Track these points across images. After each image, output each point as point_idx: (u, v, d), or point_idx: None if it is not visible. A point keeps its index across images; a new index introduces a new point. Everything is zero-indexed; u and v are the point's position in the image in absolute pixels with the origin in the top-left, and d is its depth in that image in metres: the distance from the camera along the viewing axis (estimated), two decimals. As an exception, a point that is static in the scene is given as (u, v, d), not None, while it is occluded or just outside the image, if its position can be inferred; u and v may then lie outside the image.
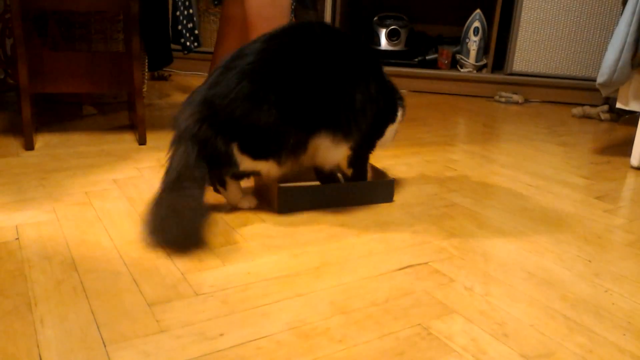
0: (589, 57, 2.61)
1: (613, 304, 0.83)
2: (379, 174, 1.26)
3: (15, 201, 1.09)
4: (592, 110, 2.39)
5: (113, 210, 1.08)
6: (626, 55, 1.58)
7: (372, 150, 1.18)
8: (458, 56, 2.85)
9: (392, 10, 3.03)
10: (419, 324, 0.75)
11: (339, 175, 1.19)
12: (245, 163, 1.01)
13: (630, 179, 1.50)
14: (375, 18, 2.95)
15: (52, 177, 1.24)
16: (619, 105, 1.70)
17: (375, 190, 1.19)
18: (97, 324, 0.71)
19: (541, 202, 1.26)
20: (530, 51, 2.64)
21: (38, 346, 0.66)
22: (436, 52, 2.92)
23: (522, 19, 2.61)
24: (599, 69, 1.66)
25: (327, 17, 2.78)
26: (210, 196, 1.19)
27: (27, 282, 0.80)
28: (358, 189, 1.17)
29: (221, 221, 1.06)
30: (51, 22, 1.85)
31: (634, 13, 1.56)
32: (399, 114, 1.18)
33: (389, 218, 1.12)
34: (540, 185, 1.39)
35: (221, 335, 0.70)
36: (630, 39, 1.57)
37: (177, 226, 0.92)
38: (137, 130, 1.55)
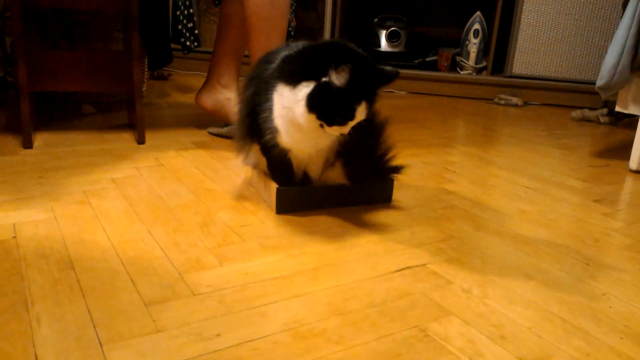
0: (589, 60, 2.61)
1: (610, 307, 0.83)
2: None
3: (13, 199, 1.09)
4: (591, 114, 2.39)
5: (111, 209, 1.08)
6: (626, 58, 1.58)
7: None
8: (458, 58, 2.85)
9: (393, 12, 3.03)
10: (416, 326, 0.75)
11: None
12: None
13: (629, 182, 1.50)
14: (376, 19, 2.95)
15: (51, 175, 1.24)
16: (618, 108, 1.71)
17: (374, 191, 1.19)
18: (93, 323, 0.71)
19: (539, 204, 1.26)
20: (530, 54, 2.65)
21: (34, 345, 0.66)
22: (436, 54, 2.92)
23: (522, 22, 2.61)
24: (598, 72, 1.66)
25: (328, 19, 2.78)
26: (213, 196, 1.19)
27: (24, 280, 0.80)
28: (356, 189, 1.17)
29: (219, 221, 1.06)
30: (51, 21, 1.85)
31: (633, 17, 1.56)
32: None
33: (387, 219, 1.12)
34: (538, 188, 1.39)
35: (218, 335, 0.70)
36: (629, 42, 1.57)
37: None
38: (136, 129, 1.55)
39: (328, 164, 1.13)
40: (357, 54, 0.98)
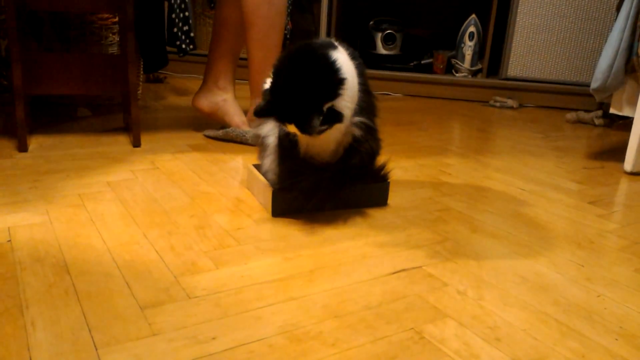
0: (583, 62, 2.62)
1: (605, 308, 0.83)
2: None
3: (8, 203, 1.09)
4: (586, 116, 2.40)
5: (106, 212, 1.08)
6: (620, 61, 1.59)
7: None
8: (453, 61, 2.86)
9: (388, 15, 3.04)
10: (412, 328, 0.75)
11: None
12: None
13: (624, 184, 1.51)
14: (371, 22, 2.96)
15: (46, 179, 1.24)
16: (612, 110, 1.71)
17: (370, 194, 1.19)
18: (88, 327, 0.70)
19: (535, 206, 1.27)
20: (525, 56, 2.66)
21: (29, 349, 0.66)
22: (431, 56, 2.93)
23: (517, 24, 2.62)
24: (593, 74, 1.67)
25: (323, 21, 2.78)
26: (207, 201, 1.19)
27: (19, 284, 0.80)
28: (352, 192, 1.17)
29: (214, 224, 1.06)
30: (46, 24, 1.85)
31: (627, 19, 1.57)
32: None
33: (383, 222, 1.12)
34: (533, 189, 1.40)
35: (213, 338, 0.70)
36: (623, 45, 1.58)
37: None
38: (132, 132, 1.55)
39: (337, 154, 1.12)
40: (307, 80, 0.99)
